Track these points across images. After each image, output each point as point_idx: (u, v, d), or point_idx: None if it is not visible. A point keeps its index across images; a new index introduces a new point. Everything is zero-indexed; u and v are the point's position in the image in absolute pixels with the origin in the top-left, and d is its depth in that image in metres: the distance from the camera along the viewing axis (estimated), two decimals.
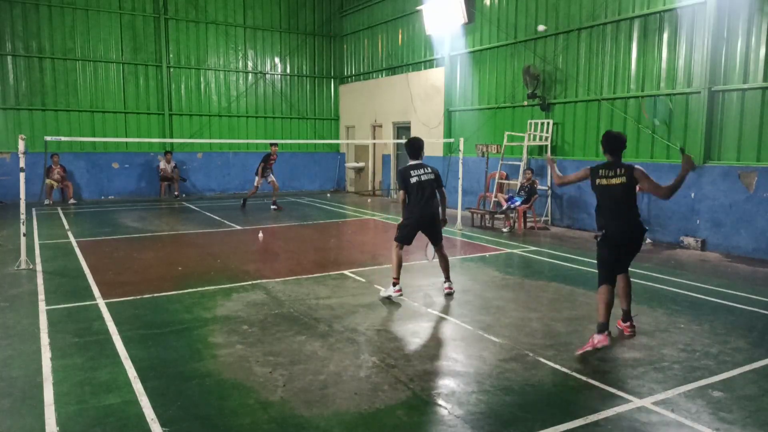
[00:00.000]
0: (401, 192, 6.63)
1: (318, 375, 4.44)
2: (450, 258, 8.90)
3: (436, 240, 6.78)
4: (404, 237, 6.69)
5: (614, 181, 5.25)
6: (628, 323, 5.48)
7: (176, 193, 18.02)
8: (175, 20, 18.14)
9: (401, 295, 6.55)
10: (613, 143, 5.37)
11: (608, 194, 5.26)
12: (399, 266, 6.60)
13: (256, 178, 15.19)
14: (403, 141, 6.85)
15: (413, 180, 6.48)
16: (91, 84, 17.12)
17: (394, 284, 6.56)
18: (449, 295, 6.67)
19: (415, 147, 6.67)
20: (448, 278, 6.82)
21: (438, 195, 6.70)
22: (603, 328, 5.00)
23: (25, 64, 16.23)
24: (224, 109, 19.18)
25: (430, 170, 6.61)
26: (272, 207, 15.13)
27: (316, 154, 21.08)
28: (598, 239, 5.23)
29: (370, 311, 6.11)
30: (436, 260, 6.93)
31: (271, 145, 15.58)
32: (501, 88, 14.05)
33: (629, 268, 5.46)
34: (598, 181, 5.36)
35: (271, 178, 15.37)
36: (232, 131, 19.34)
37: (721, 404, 4.01)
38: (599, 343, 4.94)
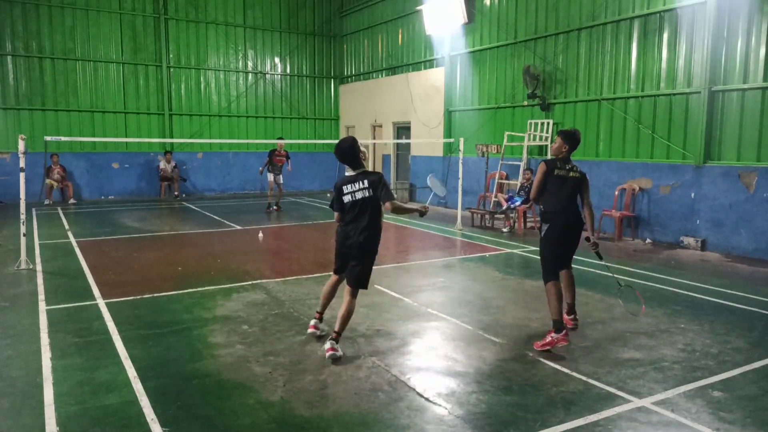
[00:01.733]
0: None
1: (318, 375, 4.44)
2: (450, 258, 8.91)
3: (351, 280, 4.95)
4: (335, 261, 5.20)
5: (571, 174, 5.43)
6: (572, 316, 5.64)
7: (176, 193, 18.01)
8: (175, 20, 18.14)
9: (316, 332, 5.26)
10: (578, 142, 5.55)
11: (564, 186, 5.40)
12: (326, 297, 5.30)
13: (270, 176, 14.51)
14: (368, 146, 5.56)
15: (345, 198, 4.87)
16: (91, 84, 17.12)
17: (317, 316, 5.37)
18: (333, 359, 4.72)
19: (343, 152, 4.90)
20: (339, 333, 4.85)
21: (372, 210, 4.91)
22: (561, 326, 5.02)
23: (25, 64, 16.23)
24: (224, 109, 19.18)
25: (367, 183, 4.84)
26: (272, 208, 14.73)
27: (316, 154, 21.08)
28: (543, 233, 5.35)
29: (370, 311, 6.10)
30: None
31: (278, 142, 15.14)
32: (501, 88, 14.05)
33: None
34: (556, 171, 5.43)
35: (280, 180, 14.66)
36: (232, 131, 19.34)
37: (721, 404, 4.01)
38: (559, 342, 4.95)
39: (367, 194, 4.83)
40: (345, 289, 4.93)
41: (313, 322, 5.33)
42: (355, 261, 4.89)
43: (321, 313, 5.37)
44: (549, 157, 5.83)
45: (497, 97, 14.16)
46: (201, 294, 6.77)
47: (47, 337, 5.23)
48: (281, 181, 14.82)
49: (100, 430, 3.60)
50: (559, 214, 5.32)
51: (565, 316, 5.49)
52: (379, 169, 19.27)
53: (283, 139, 15.70)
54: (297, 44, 20.38)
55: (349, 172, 4.94)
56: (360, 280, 4.91)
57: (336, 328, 4.83)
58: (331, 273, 5.28)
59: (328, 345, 4.77)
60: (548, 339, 4.97)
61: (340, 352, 4.74)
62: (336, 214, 5.02)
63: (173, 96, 18.35)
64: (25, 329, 5.48)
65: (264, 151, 19.18)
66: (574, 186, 5.41)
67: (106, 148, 17.50)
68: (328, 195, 18.89)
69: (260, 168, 15.11)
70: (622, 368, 4.62)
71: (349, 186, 4.87)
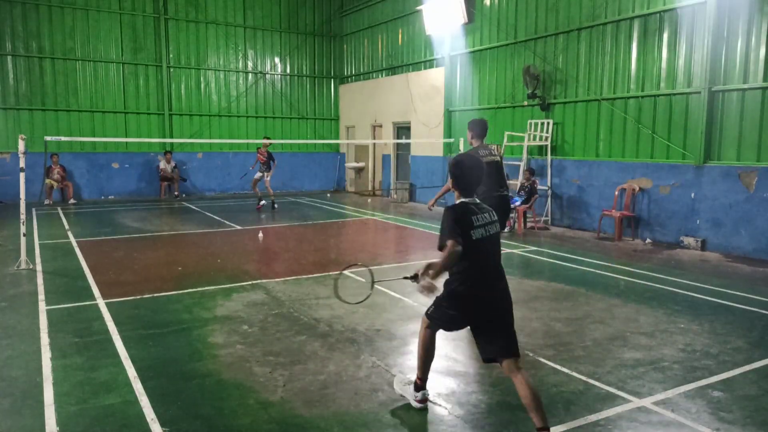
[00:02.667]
0: (452, 246, 3.35)
1: (318, 375, 4.44)
2: None
3: (511, 348, 3.59)
4: (442, 320, 3.76)
5: (495, 158, 6.06)
6: None
7: (176, 193, 18.02)
8: (175, 20, 18.14)
9: (425, 406, 3.92)
10: (486, 129, 6.20)
11: (491, 169, 5.85)
12: (428, 359, 3.90)
13: (265, 176, 14.84)
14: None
15: (476, 234, 3.46)
16: (91, 84, 17.12)
17: (417, 387, 3.92)
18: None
19: (471, 173, 3.65)
20: (545, 426, 3.37)
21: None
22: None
23: (25, 64, 16.23)
24: (224, 109, 19.18)
25: (492, 215, 3.64)
26: (259, 205, 14.92)
27: (316, 154, 21.08)
28: None
29: (370, 311, 6.10)
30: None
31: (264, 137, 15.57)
32: (501, 88, 14.05)
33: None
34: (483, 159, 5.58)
35: (267, 178, 14.84)
36: (232, 131, 19.34)
37: (721, 404, 4.01)
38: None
39: (497, 229, 3.63)
40: (508, 366, 3.51)
41: (420, 393, 3.90)
42: (506, 321, 3.63)
43: (424, 378, 3.92)
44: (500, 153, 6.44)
45: (497, 97, 14.15)
46: (201, 294, 6.77)
47: (47, 337, 5.23)
48: (264, 178, 14.83)
49: (100, 430, 3.60)
50: None
51: None
52: (379, 169, 19.28)
53: (269, 138, 15.68)
54: (297, 44, 20.39)
55: (465, 199, 3.60)
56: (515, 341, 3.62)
57: (542, 424, 3.35)
58: (428, 323, 3.83)
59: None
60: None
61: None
62: (453, 242, 3.34)
63: (173, 96, 18.35)
64: (25, 329, 5.48)
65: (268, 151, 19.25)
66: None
67: (106, 148, 17.50)
68: (328, 195, 18.98)
69: (265, 176, 14.94)
70: (622, 368, 4.62)
71: (478, 215, 3.51)
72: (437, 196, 6.56)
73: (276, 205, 15.12)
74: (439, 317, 3.73)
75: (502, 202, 6.03)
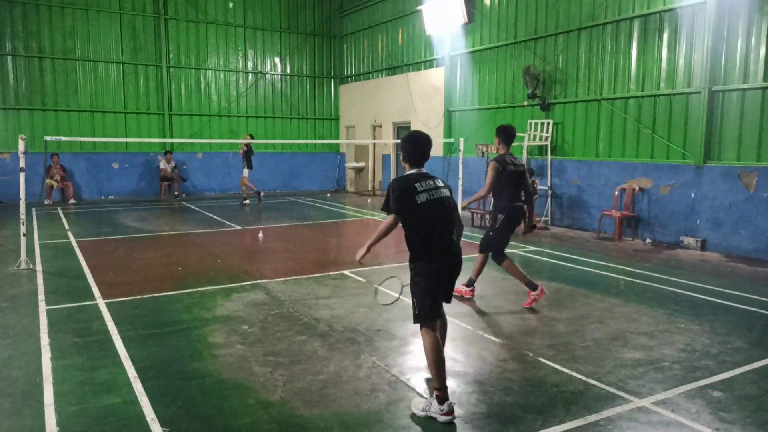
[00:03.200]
0: (391, 217, 3.85)
1: (318, 375, 4.44)
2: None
3: (450, 296, 4.12)
4: (430, 311, 3.90)
5: (520, 168, 6.34)
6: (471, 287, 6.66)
7: (176, 193, 18.02)
8: (175, 20, 18.14)
9: (452, 418, 3.73)
10: (513, 135, 6.47)
11: (516, 179, 6.28)
12: (440, 364, 3.82)
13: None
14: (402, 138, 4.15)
15: (421, 198, 3.83)
16: (91, 84, 17.12)
17: (440, 398, 3.74)
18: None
19: (419, 146, 4.01)
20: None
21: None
22: (534, 284, 6.27)
23: (25, 64, 16.23)
24: (224, 109, 19.18)
25: (442, 182, 4.04)
26: (245, 202, 16.21)
27: (316, 154, 21.08)
28: (503, 219, 6.32)
29: (370, 311, 6.10)
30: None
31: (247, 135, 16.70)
32: (501, 88, 14.04)
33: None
34: (509, 168, 6.23)
35: (244, 174, 16.16)
36: (232, 131, 19.34)
37: (721, 404, 4.01)
38: (540, 296, 6.24)
39: (446, 192, 3.99)
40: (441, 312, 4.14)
41: (445, 405, 3.72)
42: (454, 277, 4.04)
43: (443, 386, 3.79)
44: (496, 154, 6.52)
45: (497, 97, 14.15)
46: (201, 294, 6.77)
47: (47, 337, 5.23)
48: (245, 175, 16.15)
49: (100, 430, 3.60)
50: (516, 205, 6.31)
51: (531, 294, 6.35)
52: (378, 169, 19.28)
53: (253, 137, 16.89)
54: (297, 44, 20.38)
55: (411, 171, 4.01)
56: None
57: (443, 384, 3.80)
58: (426, 327, 3.91)
59: (447, 408, 3.73)
60: (531, 299, 6.25)
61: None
62: (392, 216, 3.83)
63: (173, 96, 18.34)
64: (25, 329, 5.48)
65: (264, 152, 19.26)
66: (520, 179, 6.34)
67: (106, 148, 17.50)
68: (328, 195, 18.98)
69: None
70: (622, 368, 4.62)
71: (422, 183, 3.89)
72: (472, 200, 6.72)
73: (262, 196, 16.44)
74: (426, 306, 3.89)
75: (518, 212, 6.42)
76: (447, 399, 3.74)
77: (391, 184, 3.93)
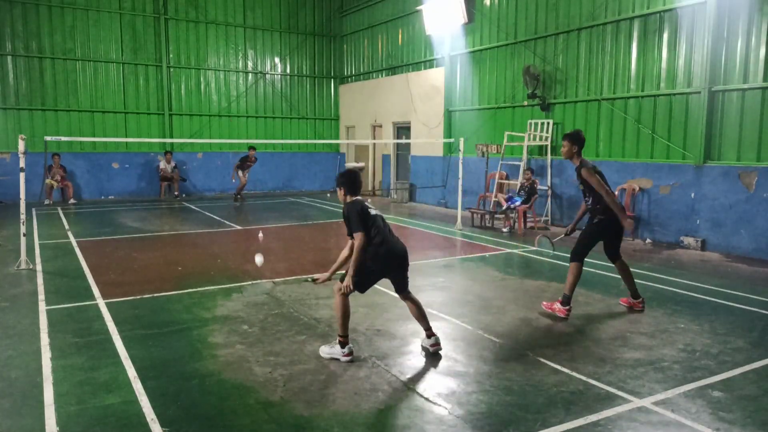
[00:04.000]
0: (362, 235, 4.65)
1: (318, 375, 4.44)
2: (450, 258, 8.92)
3: (405, 285, 5.04)
4: (362, 289, 4.85)
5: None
6: (639, 299, 6.28)
7: (176, 193, 18.02)
8: (175, 20, 18.14)
9: (352, 359, 4.72)
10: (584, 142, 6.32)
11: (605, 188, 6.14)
12: (346, 317, 4.77)
13: (233, 173, 17.47)
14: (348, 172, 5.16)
15: (373, 212, 4.86)
16: (91, 84, 17.12)
17: (342, 343, 4.76)
18: (436, 354, 4.93)
19: (355, 180, 4.97)
20: (429, 328, 5.02)
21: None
22: (568, 301, 6.00)
23: (25, 64, 16.23)
24: (224, 109, 19.18)
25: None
26: (235, 200, 17.00)
27: (316, 154, 21.08)
28: (600, 222, 6.09)
29: (370, 311, 6.10)
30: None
31: (249, 148, 17.22)
32: (501, 88, 14.04)
33: None
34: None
35: (246, 175, 17.26)
36: (232, 131, 19.34)
37: (721, 404, 4.01)
38: (560, 313, 5.94)
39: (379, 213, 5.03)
40: (402, 295, 5.02)
41: (346, 348, 4.73)
42: (404, 267, 4.95)
43: (346, 335, 4.78)
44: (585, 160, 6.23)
45: (497, 97, 14.15)
46: (201, 294, 6.77)
47: (47, 337, 5.23)
48: (245, 176, 17.36)
49: (100, 430, 3.60)
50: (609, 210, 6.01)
51: (632, 300, 6.30)
52: (379, 169, 19.30)
53: (255, 149, 17.49)
54: (297, 44, 20.39)
55: (354, 197, 4.90)
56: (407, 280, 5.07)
57: (426, 326, 5.00)
58: (339, 291, 4.77)
59: (431, 341, 4.94)
60: (553, 307, 6.03)
61: (441, 345, 5.00)
62: (359, 235, 4.63)
63: (173, 96, 18.35)
64: (25, 329, 5.48)
65: (264, 152, 19.23)
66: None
67: (106, 148, 17.50)
68: (328, 195, 18.98)
69: (233, 174, 17.64)
70: (622, 368, 4.62)
71: (367, 203, 4.90)
72: (576, 220, 6.53)
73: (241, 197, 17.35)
74: (363, 286, 4.81)
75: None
76: (348, 344, 4.76)
77: (350, 210, 4.77)
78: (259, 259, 6.30)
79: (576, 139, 6.12)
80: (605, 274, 7.96)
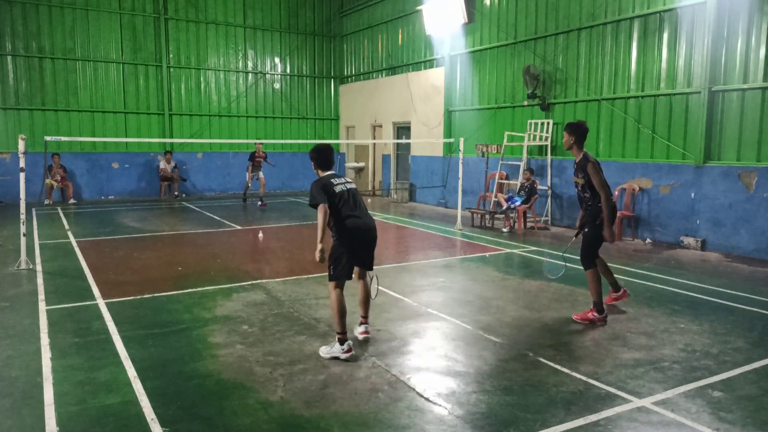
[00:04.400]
0: (321, 207, 4.79)
1: (318, 375, 4.44)
2: (450, 258, 8.92)
3: (370, 264, 5.21)
4: (343, 272, 4.94)
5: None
6: (621, 290, 6.33)
7: (176, 193, 18.02)
8: (175, 20, 18.14)
9: (352, 354, 4.77)
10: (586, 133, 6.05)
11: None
12: (342, 314, 4.86)
13: (247, 175, 16.45)
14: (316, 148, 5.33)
15: (339, 188, 4.96)
16: (91, 84, 17.12)
17: (341, 341, 4.79)
18: (366, 337, 5.21)
19: (324, 155, 5.17)
20: (366, 316, 5.27)
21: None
22: (601, 307, 5.82)
23: (25, 64, 16.22)
24: (224, 109, 19.18)
25: (347, 179, 5.19)
26: (259, 204, 16.05)
27: None
28: (602, 223, 5.83)
29: (370, 311, 6.09)
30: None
31: (257, 142, 16.73)
32: (501, 88, 14.04)
33: None
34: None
35: (260, 175, 16.37)
36: (232, 131, 19.34)
37: (721, 404, 4.01)
38: (599, 322, 5.74)
39: (353, 186, 5.20)
40: (359, 274, 5.21)
41: (345, 345, 4.76)
42: (370, 244, 5.13)
43: (344, 332, 4.86)
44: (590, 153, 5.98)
45: (497, 97, 14.15)
46: (201, 294, 6.77)
47: (47, 337, 5.23)
48: (262, 176, 16.50)
49: (100, 430, 3.60)
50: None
51: (613, 294, 6.33)
52: (378, 169, 19.28)
53: (262, 143, 17.04)
54: (297, 44, 20.38)
55: (325, 173, 5.14)
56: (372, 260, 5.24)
57: (364, 313, 5.27)
58: (335, 283, 4.94)
59: (362, 329, 5.22)
60: (588, 315, 5.81)
61: (370, 333, 5.28)
62: (321, 207, 4.77)
63: (173, 96, 18.35)
64: (25, 329, 5.48)
65: (264, 152, 19.20)
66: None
67: (106, 148, 17.50)
68: None
69: (248, 176, 16.46)
70: (622, 368, 4.62)
71: (335, 179, 5.07)
72: (606, 222, 5.74)
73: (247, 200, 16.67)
74: (341, 268, 4.91)
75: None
76: (347, 341, 4.79)
77: (312, 185, 4.97)
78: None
79: (574, 130, 5.79)
80: None
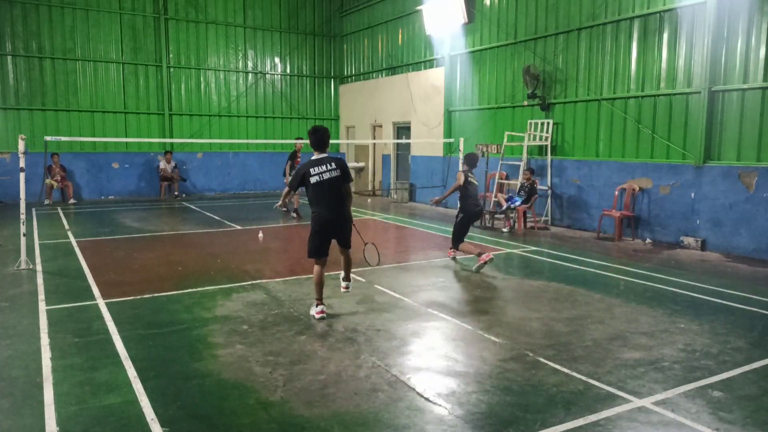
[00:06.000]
0: (290, 192, 6.18)
1: (318, 375, 4.44)
2: (450, 258, 8.92)
3: (344, 244, 6.04)
4: (315, 250, 5.90)
5: (475, 183, 8.73)
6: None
7: (176, 193, 18.01)
8: (175, 20, 18.14)
9: (325, 316, 5.82)
10: (475, 162, 8.91)
11: (473, 189, 8.72)
12: (319, 285, 5.90)
13: (286, 177, 13.70)
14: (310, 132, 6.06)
15: (314, 179, 5.68)
16: (91, 84, 17.12)
17: (317, 305, 5.92)
18: (346, 292, 6.31)
19: (317, 135, 5.87)
20: (348, 277, 6.22)
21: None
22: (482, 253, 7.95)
23: (25, 64, 16.22)
24: (224, 109, 19.18)
25: (334, 165, 5.76)
26: (293, 215, 13.53)
27: None
28: (461, 217, 8.54)
29: (370, 311, 6.10)
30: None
31: (297, 142, 13.96)
32: (501, 88, 14.04)
33: None
34: (469, 179, 8.55)
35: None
36: (232, 131, 19.34)
37: (721, 404, 4.01)
38: (487, 257, 7.89)
39: (335, 174, 5.74)
40: (340, 250, 6.04)
41: (319, 307, 5.86)
42: (339, 231, 5.90)
43: (321, 298, 5.96)
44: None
45: (497, 97, 14.15)
46: (201, 294, 6.77)
47: (47, 337, 5.23)
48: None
49: (100, 430, 3.60)
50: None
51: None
52: (378, 169, 19.28)
53: (302, 138, 14.17)
54: (297, 44, 20.38)
55: (314, 156, 5.81)
56: (349, 241, 6.08)
57: (345, 275, 6.18)
58: (315, 259, 5.96)
59: (344, 284, 6.19)
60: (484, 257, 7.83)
61: (350, 289, 6.25)
62: (290, 190, 6.08)
63: (173, 96, 18.34)
64: (25, 329, 5.48)
65: (264, 152, 19.19)
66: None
67: (106, 148, 17.50)
68: None
69: (287, 177, 13.56)
70: (622, 368, 4.62)
71: (316, 167, 5.71)
72: (444, 196, 8.70)
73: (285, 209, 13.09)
74: (315, 245, 5.85)
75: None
76: (321, 305, 5.87)
77: (296, 169, 5.96)
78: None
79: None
80: (605, 274, 7.96)
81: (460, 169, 8.86)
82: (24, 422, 3.70)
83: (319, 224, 5.80)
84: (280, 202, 6.62)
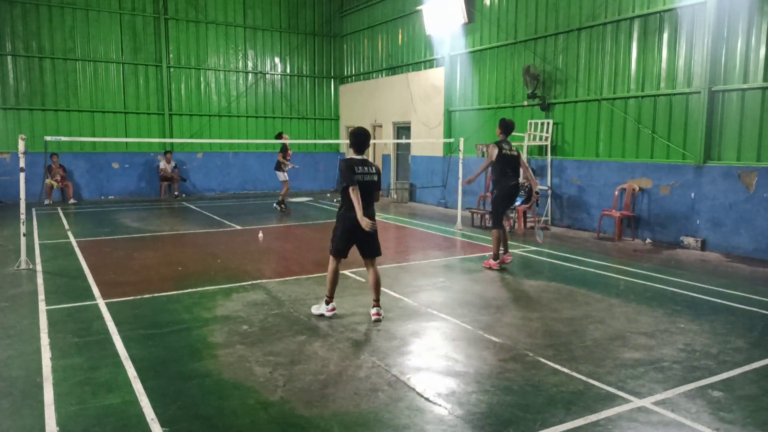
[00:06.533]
0: (353, 190, 5.49)
1: (318, 375, 4.44)
2: (450, 258, 8.92)
3: (372, 253, 5.82)
4: (338, 250, 5.78)
5: (513, 153, 8.14)
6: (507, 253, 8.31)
7: (176, 193, 18.01)
8: (175, 20, 18.14)
9: (335, 313, 5.86)
10: (511, 128, 8.27)
11: (510, 162, 8.12)
12: (333, 282, 5.84)
13: (284, 174, 14.34)
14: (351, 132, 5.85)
15: (357, 177, 5.53)
16: (91, 84, 17.12)
17: (327, 302, 5.89)
18: (377, 321, 5.73)
19: (360, 138, 5.70)
20: (377, 300, 5.83)
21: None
22: (497, 257, 8.11)
23: (25, 64, 16.22)
24: (224, 109, 19.18)
25: (374, 169, 5.75)
26: (274, 206, 14.53)
27: (316, 154, 21.07)
28: (495, 194, 8.19)
29: (370, 311, 6.10)
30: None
31: (281, 135, 14.93)
32: (501, 88, 14.04)
33: None
34: (503, 152, 8.03)
35: (286, 176, 14.37)
36: (232, 131, 19.34)
37: (721, 404, 4.01)
38: (493, 267, 8.06)
39: (374, 178, 5.71)
40: (365, 262, 5.90)
41: (330, 305, 5.86)
42: (366, 238, 5.67)
43: (331, 296, 5.90)
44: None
45: (497, 97, 14.15)
46: (201, 294, 6.77)
47: (47, 337, 5.23)
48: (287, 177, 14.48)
49: (100, 430, 3.60)
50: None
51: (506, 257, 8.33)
52: (379, 169, 19.27)
53: (284, 133, 15.92)
54: (297, 44, 20.38)
55: (355, 156, 5.71)
56: (377, 250, 5.87)
57: (376, 297, 5.81)
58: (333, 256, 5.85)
59: (374, 311, 5.77)
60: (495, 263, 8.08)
61: (382, 315, 5.81)
62: (353, 188, 5.45)
63: (173, 96, 18.34)
64: (25, 329, 5.49)
65: (264, 152, 19.16)
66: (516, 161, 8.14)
67: (106, 148, 17.50)
68: (328, 195, 18.98)
69: (283, 173, 14.40)
70: (622, 368, 4.62)
71: (360, 167, 5.60)
72: (476, 174, 8.53)
73: (280, 207, 14.40)
74: (339, 245, 5.72)
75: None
76: (332, 302, 5.85)
77: (341, 164, 5.63)
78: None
79: (502, 126, 8.28)
80: (605, 274, 7.96)
81: (495, 141, 8.18)
82: (24, 422, 3.70)
83: (350, 223, 5.56)
84: (357, 207, 5.54)
